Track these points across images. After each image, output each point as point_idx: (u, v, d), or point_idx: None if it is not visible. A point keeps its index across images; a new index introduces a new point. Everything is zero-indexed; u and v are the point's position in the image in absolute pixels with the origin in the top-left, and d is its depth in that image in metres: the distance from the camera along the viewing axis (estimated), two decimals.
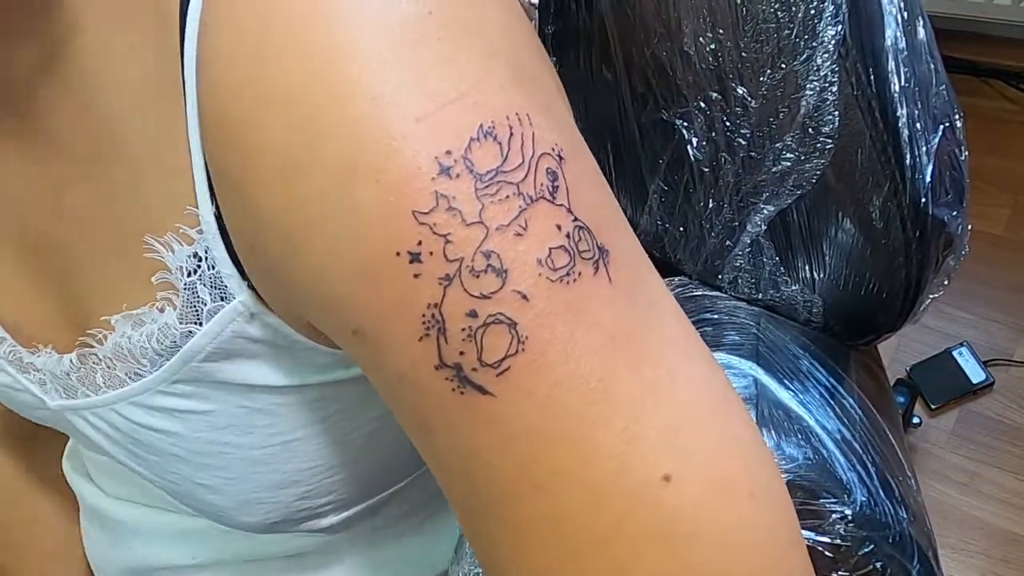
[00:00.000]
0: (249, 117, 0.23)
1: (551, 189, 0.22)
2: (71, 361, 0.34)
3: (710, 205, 0.46)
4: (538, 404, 0.22)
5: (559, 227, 0.22)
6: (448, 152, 0.21)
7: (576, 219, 0.23)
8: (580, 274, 0.22)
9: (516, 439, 0.22)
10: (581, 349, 0.22)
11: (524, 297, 0.22)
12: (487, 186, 0.22)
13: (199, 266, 0.28)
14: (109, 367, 0.33)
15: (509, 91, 0.23)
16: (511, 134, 0.22)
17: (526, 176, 0.22)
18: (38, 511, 0.55)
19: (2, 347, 0.36)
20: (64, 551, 0.55)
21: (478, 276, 0.21)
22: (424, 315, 0.22)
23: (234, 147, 0.24)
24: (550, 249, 0.22)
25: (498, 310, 0.22)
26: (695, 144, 0.44)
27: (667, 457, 0.22)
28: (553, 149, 0.23)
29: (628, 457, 0.22)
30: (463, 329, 0.22)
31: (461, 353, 0.22)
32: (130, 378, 0.32)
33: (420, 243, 0.21)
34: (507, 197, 0.22)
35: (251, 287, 0.28)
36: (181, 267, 0.28)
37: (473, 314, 0.22)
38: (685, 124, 0.44)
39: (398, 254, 0.22)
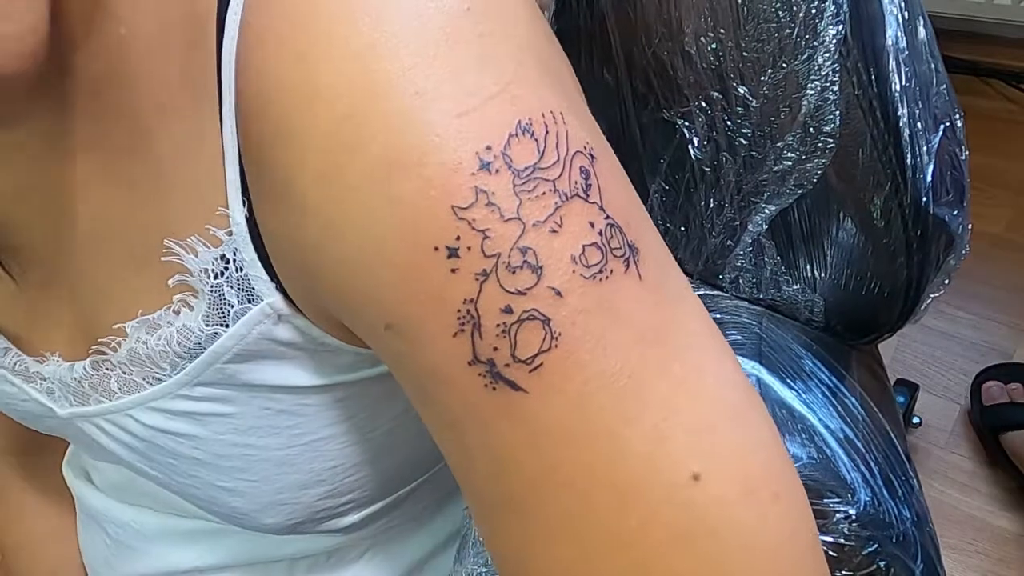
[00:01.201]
0: (294, 108, 0.23)
1: (584, 187, 0.23)
2: (84, 368, 0.34)
3: (711, 205, 0.46)
4: (570, 401, 0.22)
5: (592, 224, 0.22)
6: (488, 148, 0.22)
7: (608, 217, 0.23)
8: (612, 271, 0.22)
9: (546, 436, 0.22)
10: (613, 346, 0.22)
11: (558, 293, 0.22)
12: (525, 182, 0.22)
13: (226, 268, 0.28)
14: (125, 372, 0.32)
15: (542, 89, 0.23)
16: (547, 131, 0.22)
17: (561, 173, 0.22)
18: (43, 529, 0.55)
19: (7, 358, 0.35)
20: (69, 569, 0.54)
21: (514, 272, 0.22)
22: (460, 310, 0.22)
23: (278, 138, 0.24)
24: (583, 246, 0.22)
25: (533, 306, 0.22)
26: (696, 144, 0.44)
27: (696, 456, 0.22)
28: (585, 147, 0.23)
29: (657, 456, 0.22)
30: (498, 325, 0.22)
31: (495, 349, 0.22)
32: (148, 382, 0.32)
33: (458, 238, 0.21)
34: (543, 194, 0.22)
35: (279, 289, 0.28)
36: (207, 269, 0.28)
37: (508, 310, 0.22)
38: (686, 124, 0.44)
39: (436, 248, 0.22)
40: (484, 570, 0.38)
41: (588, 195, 0.23)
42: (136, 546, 0.45)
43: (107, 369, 0.33)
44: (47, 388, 0.35)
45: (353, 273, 0.23)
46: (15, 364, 0.36)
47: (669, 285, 0.24)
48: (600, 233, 0.22)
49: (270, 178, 0.25)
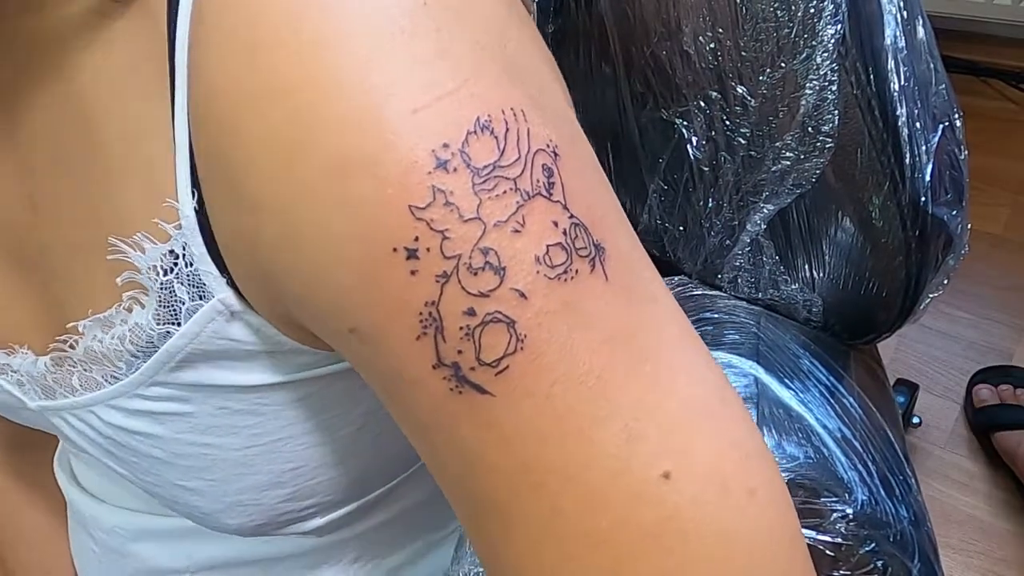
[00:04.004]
0: (244, 108, 0.22)
1: (547, 185, 0.22)
2: (45, 364, 0.33)
3: (710, 204, 0.46)
4: (537, 403, 0.22)
5: (556, 224, 0.22)
6: (445, 145, 0.21)
7: (572, 216, 0.22)
8: (577, 272, 0.22)
9: (515, 439, 0.22)
10: (579, 347, 0.22)
11: (522, 295, 0.21)
12: (484, 181, 0.21)
13: (176, 264, 0.27)
14: (85, 370, 0.32)
15: (503, 85, 0.23)
16: (507, 128, 0.22)
17: (523, 172, 0.22)
18: (35, 527, 0.55)
19: None
20: (61, 570, 0.54)
21: (476, 274, 0.21)
22: (422, 313, 0.21)
23: (227, 135, 0.23)
24: (547, 247, 0.22)
25: (496, 308, 0.21)
26: (695, 143, 0.44)
27: (667, 455, 0.22)
28: (548, 145, 0.23)
29: (627, 455, 0.22)
30: (461, 328, 0.21)
31: (459, 352, 0.22)
32: (107, 381, 0.31)
33: (417, 239, 0.21)
34: (504, 193, 0.21)
35: (231, 284, 0.27)
36: (155, 266, 0.28)
37: (471, 312, 0.21)
38: (685, 123, 0.44)
39: (395, 250, 0.21)
40: (481, 570, 0.38)
41: (551, 194, 0.22)
42: (121, 550, 0.45)
43: (69, 366, 0.32)
44: (17, 380, 0.35)
45: (312, 276, 0.23)
46: None
47: (639, 285, 0.24)
48: (564, 233, 0.22)
49: (221, 176, 0.24)
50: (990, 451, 1.10)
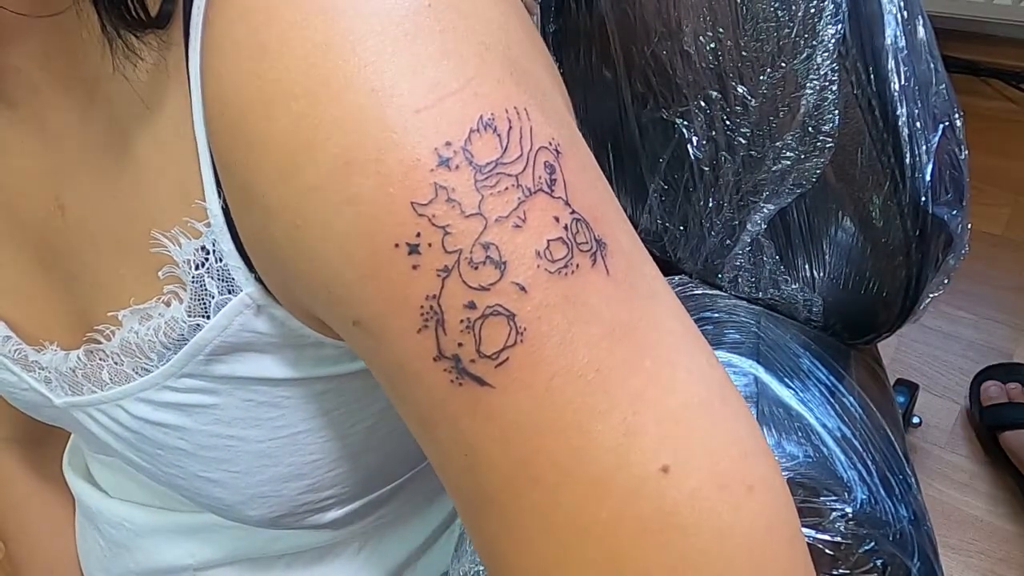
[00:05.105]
0: (252, 109, 0.23)
1: (549, 182, 0.22)
2: (77, 357, 0.34)
3: (710, 204, 0.46)
4: (536, 396, 0.22)
5: (557, 219, 0.22)
6: (448, 143, 0.22)
7: (574, 211, 0.23)
8: (578, 266, 0.22)
9: (514, 431, 0.22)
10: (579, 341, 0.22)
11: (522, 289, 0.22)
12: (486, 178, 0.22)
13: (207, 259, 0.28)
14: (116, 363, 0.33)
15: (506, 84, 0.23)
16: (510, 127, 0.22)
17: (525, 168, 0.22)
18: (41, 520, 0.55)
19: (7, 345, 0.36)
20: (66, 564, 0.55)
21: (476, 268, 0.22)
22: (423, 307, 0.22)
23: (238, 139, 0.24)
24: (548, 241, 0.22)
25: (496, 302, 0.22)
26: (695, 143, 0.44)
27: (665, 450, 0.22)
28: (550, 143, 0.23)
29: (626, 449, 0.22)
30: (461, 321, 0.22)
31: (460, 344, 0.22)
32: (137, 373, 0.32)
33: (419, 235, 0.22)
34: (506, 189, 0.22)
35: (258, 280, 0.28)
36: (189, 260, 0.29)
37: (471, 305, 0.22)
38: (685, 123, 0.44)
39: (397, 246, 0.22)
40: (481, 568, 0.38)
41: (553, 190, 0.22)
42: (129, 544, 0.46)
43: (100, 359, 0.33)
44: (44, 377, 0.36)
45: (318, 271, 0.23)
46: (15, 352, 0.36)
47: (640, 280, 0.24)
48: (566, 228, 0.22)
49: (234, 178, 0.25)
50: (991, 451, 1.10)
